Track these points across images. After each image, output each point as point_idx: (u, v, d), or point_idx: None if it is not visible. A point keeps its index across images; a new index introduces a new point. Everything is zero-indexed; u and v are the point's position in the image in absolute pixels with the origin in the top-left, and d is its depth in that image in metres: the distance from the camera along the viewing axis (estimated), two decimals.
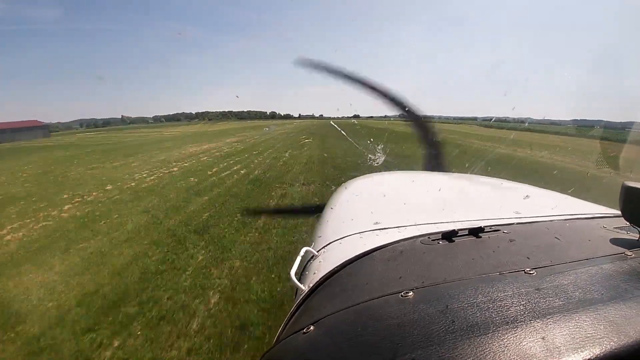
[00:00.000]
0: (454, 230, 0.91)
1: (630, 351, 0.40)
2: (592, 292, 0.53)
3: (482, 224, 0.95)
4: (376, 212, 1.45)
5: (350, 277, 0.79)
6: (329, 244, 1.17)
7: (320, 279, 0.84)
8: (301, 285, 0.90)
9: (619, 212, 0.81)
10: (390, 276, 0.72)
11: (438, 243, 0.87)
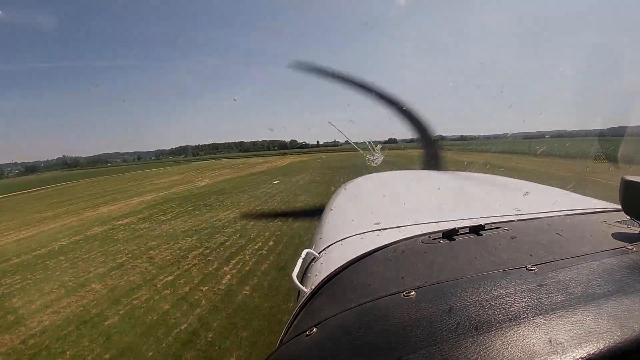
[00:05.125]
0: (455, 228, 0.91)
1: (634, 345, 0.40)
2: (594, 287, 0.53)
3: (482, 221, 0.95)
4: (376, 212, 1.45)
5: (351, 278, 0.79)
6: (330, 245, 1.16)
7: (322, 280, 0.84)
8: (303, 288, 0.90)
9: (619, 206, 0.81)
10: (392, 276, 0.72)
11: (439, 242, 0.87)
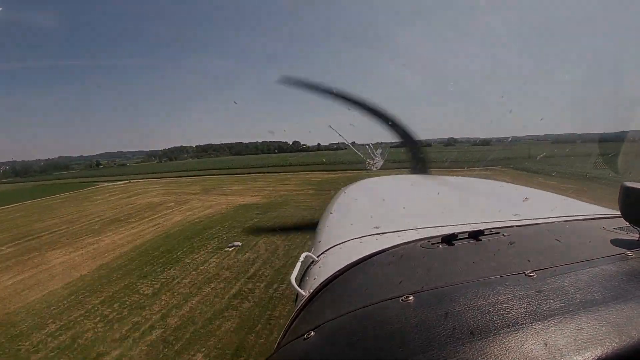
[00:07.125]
0: (454, 233, 0.91)
1: (632, 352, 0.40)
2: (593, 293, 0.53)
3: (481, 226, 0.95)
4: (376, 216, 1.45)
5: (350, 282, 0.79)
6: (328, 249, 1.16)
7: (321, 284, 0.84)
8: (301, 291, 0.90)
9: (619, 213, 0.81)
10: (391, 280, 0.72)
11: (438, 247, 0.87)
